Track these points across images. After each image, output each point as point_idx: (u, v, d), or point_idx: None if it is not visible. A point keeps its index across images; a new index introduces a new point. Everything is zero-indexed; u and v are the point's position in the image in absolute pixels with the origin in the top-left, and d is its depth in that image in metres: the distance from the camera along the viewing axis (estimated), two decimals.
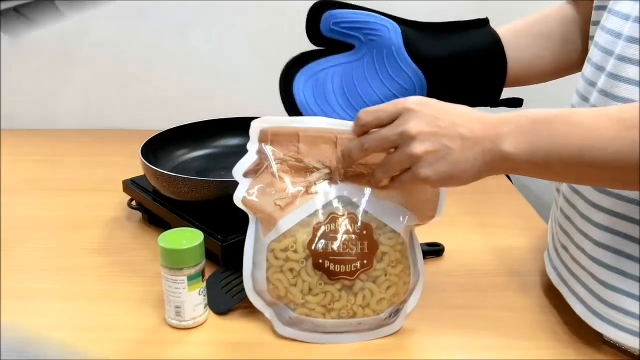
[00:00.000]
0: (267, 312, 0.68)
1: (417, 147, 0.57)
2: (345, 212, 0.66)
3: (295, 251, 0.65)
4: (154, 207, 0.87)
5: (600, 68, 0.63)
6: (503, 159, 0.56)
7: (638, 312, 0.61)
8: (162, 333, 0.68)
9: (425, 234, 0.89)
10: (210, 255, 0.77)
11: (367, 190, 0.66)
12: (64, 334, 0.69)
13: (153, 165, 0.84)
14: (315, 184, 0.66)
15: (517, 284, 0.78)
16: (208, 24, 1.27)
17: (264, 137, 0.68)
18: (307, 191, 0.66)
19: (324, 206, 0.66)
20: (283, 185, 0.66)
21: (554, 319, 0.71)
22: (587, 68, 0.66)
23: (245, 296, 0.71)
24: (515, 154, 0.55)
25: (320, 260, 0.64)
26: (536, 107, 0.58)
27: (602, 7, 0.66)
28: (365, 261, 0.65)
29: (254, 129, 0.68)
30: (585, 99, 0.65)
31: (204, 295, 0.69)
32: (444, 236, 0.87)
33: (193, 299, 0.68)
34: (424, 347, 0.67)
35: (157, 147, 0.93)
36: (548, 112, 0.56)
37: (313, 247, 0.65)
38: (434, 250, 0.84)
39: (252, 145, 0.68)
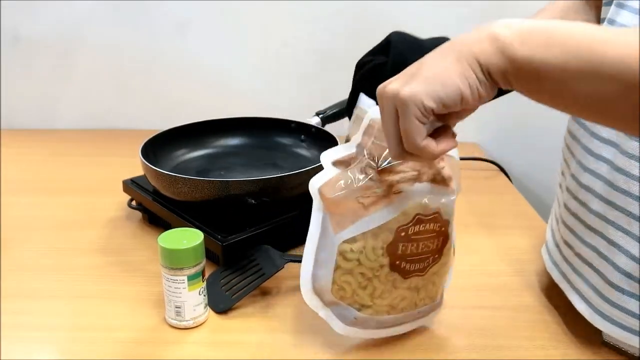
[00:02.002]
0: (322, 312, 0.64)
1: (389, 86, 0.51)
2: (431, 212, 0.62)
3: (368, 258, 0.61)
4: (154, 207, 0.87)
5: None
6: (507, 61, 0.47)
7: None
8: (162, 333, 0.68)
9: None
10: (210, 255, 0.78)
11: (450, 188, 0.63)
12: (64, 334, 0.69)
13: (153, 165, 0.84)
14: (399, 183, 0.61)
15: (517, 284, 0.78)
16: (208, 24, 1.27)
17: (370, 131, 0.61)
18: (392, 191, 0.60)
19: (409, 208, 0.61)
20: (370, 183, 0.60)
21: (554, 319, 0.71)
22: None
23: (245, 296, 0.72)
24: (524, 60, 0.47)
25: (398, 262, 0.62)
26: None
27: (609, 3, 0.66)
28: (436, 256, 0.63)
29: (366, 119, 0.61)
30: None
31: (204, 295, 0.69)
32: None
33: (193, 299, 0.68)
34: (424, 347, 0.67)
35: (158, 147, 0.93)
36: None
37: (393, 251, 0.61)
38: None
39: (357, 137, 0.61)
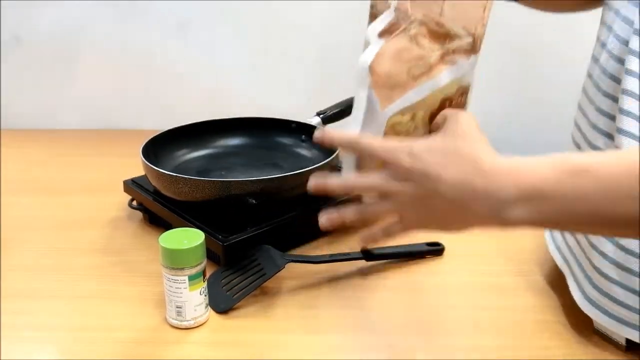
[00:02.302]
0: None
1: (402, 190, 0.52)
2: (469, 83, 0.60)
3: (418, 128, 0.59)
4: (155, 207, 0.87)
5: (613, 56, 0.63)
6: (502, 223, 0.50)
7: (629, 301, 0.61)
8: (163, 333, 0.68)
9: (425, 233, 0.89)
10: (211, 255, 0.77)
11: None
12: (64, 334, 0.69)
13: (154, 165, 0.84)
14: (453, 52, 0.58)
15: (517, 284, 0.78)
16: (208, 24, 1.27)
17: None
18: (442, 60, 0.58)
19: (457, 79, 0.59)
20: (420, 52, 0.57)
21: (556, 319, 0.71)
22: (602, 55, 0.65)
23: (246, 296, 0.71)
24: (520, 223, 0.49)
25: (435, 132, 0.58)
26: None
27: None
28: None
29: None
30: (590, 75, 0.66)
31: (205, 295, 0.69)
32: (444, 236, 0.87)
33: (194, 299, 0.68)
34: (424, 347, 0.67)
35: (158, 147, 0.93)
36: (562, 170, 0.47)
37: (433, 119, 0.60)
38: (434, 250, 0.84)
39: (393, 1, 0.58)
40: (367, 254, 0.80)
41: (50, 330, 0.69)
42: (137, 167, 0.88)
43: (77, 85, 1.31)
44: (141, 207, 0.91)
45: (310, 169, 0.83)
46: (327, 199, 0.88)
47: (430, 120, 0.59)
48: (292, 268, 0.77)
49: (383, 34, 0.58)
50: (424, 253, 0.84)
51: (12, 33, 1.26)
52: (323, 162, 0.85)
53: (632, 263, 0.60)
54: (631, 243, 0.60)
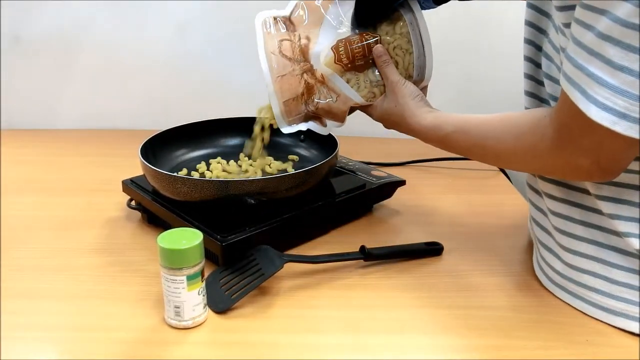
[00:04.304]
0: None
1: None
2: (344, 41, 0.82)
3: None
4: (154, 207, 0.87)
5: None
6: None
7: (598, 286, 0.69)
8: (161, 333, 0.68)
9: (424, 233, 0.89)
10: (209, 255, 0.78)
11: None
12: (64, 334, 0.69)
13: (152, 165, 0.84)
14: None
15: (517, 284, 0.78)
16: (208, 25, 1.27)
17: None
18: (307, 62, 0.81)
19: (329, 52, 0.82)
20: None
21: (554, 318, 0.71)
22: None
23: (244, 296, 0.72)
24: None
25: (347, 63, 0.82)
26: None
27: None
28: (370, 61, 0.83)
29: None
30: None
31: (204, 295, 0.69)
32: (443, 236, 0.87)
33: (192, 299, 0.68)
34: (424, 347, 0.67)
35: (157, 147, 0.93)
36: (434, 128, 0.77)
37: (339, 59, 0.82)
38: (433, 250, 0.84)
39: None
40: (365, 254, 0.80)
41: (49, 330, 0.69)
42: (135, 167, 0.88)
43: (77, 85, 1.31)
44: (140, 207, 0.91)
45: (310, 169, 0.84)
46: (326, 199, 0.88)
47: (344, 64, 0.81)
48: (291, 268, 0.77)
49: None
50: (423, 253, 0.84)
51: (12, 33, 1.26)
52: (322, 162, 0.85)
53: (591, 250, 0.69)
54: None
